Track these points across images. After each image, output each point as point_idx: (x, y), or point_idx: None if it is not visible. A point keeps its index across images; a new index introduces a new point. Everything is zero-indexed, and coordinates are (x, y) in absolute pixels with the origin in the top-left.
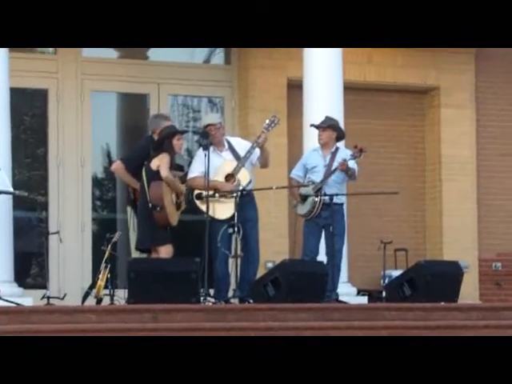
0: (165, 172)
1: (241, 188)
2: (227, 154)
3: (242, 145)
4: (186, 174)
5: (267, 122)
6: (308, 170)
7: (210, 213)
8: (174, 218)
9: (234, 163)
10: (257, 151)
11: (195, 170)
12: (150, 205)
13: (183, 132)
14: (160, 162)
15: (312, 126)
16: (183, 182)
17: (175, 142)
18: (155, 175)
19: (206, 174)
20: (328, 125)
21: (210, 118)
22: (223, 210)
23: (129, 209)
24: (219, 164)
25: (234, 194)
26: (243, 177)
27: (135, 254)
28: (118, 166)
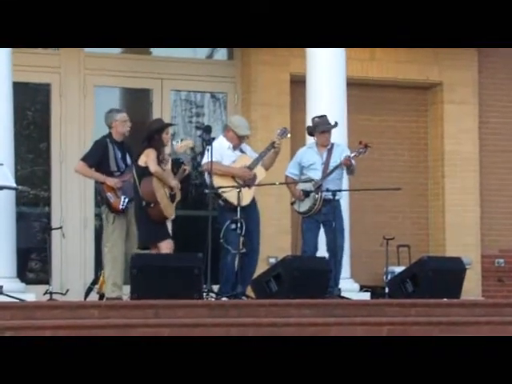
0: (153, 167)
1: (257, 182)
2: (238, 153)
3: (252, 154)
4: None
5: (279, 131)
6: (304, 167)
7: (235, 199)
8: (169, 211)
9: (250, 159)
10: None
11: (209, 157)
12: (144, 202)
13: (171, 125)
14: (147, 158)
15: (323, 130)
16: (187, 177)
17: (164, 135)
18: (144, 171)
19: (210, 167)
20: (334, 125)
21: (248, 129)
22: (246, 195)
23: (103, 208)
24: (234, 158)
25: (237, 190)
26: (260, 172)
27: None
28: (79, 165)
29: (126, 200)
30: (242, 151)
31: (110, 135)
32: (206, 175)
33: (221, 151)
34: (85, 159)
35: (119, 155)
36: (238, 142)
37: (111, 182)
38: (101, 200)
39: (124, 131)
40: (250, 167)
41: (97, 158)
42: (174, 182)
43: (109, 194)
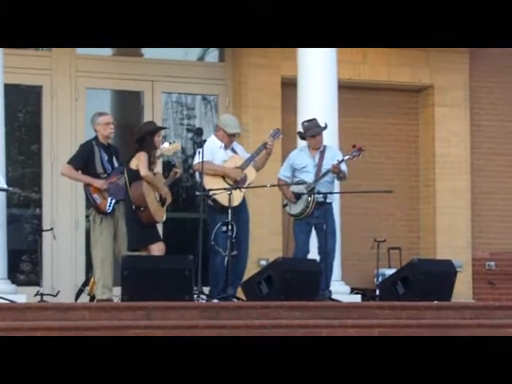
0: (144, 171)
1: (247, 182)
2: (230, 153)
3: (243, 153)
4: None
5: (271, 132)
6: (296, 170)
7: (225, 200)
8: (159, 215)
9: (242, 159)
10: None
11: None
12: (134, 206)
13: (163, 128)
14: (138, 161)
15: (313, 133)
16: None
17: (156, 138)
18: (136, 174)
19: (201, 169)
20: (324, 127)
21: (238, 127)
22: (236, 196)
23: (91, 210)
24: (225, 158)
25: (228, 192)
26: (250, 173)
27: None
28: (65, 168)
29: (113, 202)
30: (233, 150)
31: (96, 138)
32: (198, 175)
33: (213, 150)
34: (71, 162)
35: (105, 157)
36: (228, 140)
37: (98, 183)
38: (88, 202)
39: (107, 134)
40: (242, 168)
41: (83, 161)
42: (165, 190)
43: (95, 196)
